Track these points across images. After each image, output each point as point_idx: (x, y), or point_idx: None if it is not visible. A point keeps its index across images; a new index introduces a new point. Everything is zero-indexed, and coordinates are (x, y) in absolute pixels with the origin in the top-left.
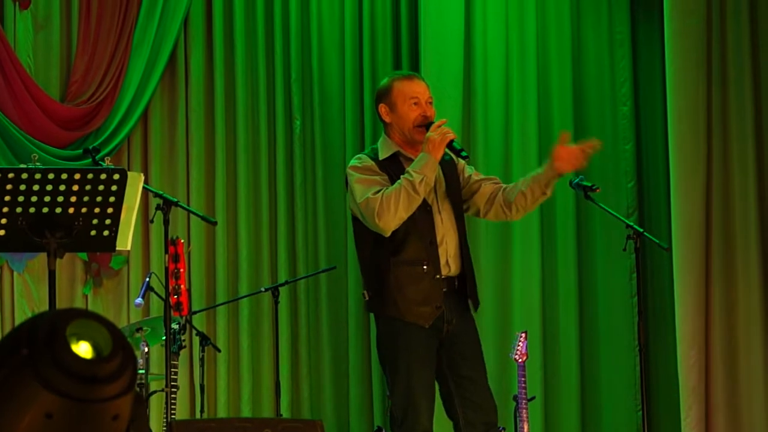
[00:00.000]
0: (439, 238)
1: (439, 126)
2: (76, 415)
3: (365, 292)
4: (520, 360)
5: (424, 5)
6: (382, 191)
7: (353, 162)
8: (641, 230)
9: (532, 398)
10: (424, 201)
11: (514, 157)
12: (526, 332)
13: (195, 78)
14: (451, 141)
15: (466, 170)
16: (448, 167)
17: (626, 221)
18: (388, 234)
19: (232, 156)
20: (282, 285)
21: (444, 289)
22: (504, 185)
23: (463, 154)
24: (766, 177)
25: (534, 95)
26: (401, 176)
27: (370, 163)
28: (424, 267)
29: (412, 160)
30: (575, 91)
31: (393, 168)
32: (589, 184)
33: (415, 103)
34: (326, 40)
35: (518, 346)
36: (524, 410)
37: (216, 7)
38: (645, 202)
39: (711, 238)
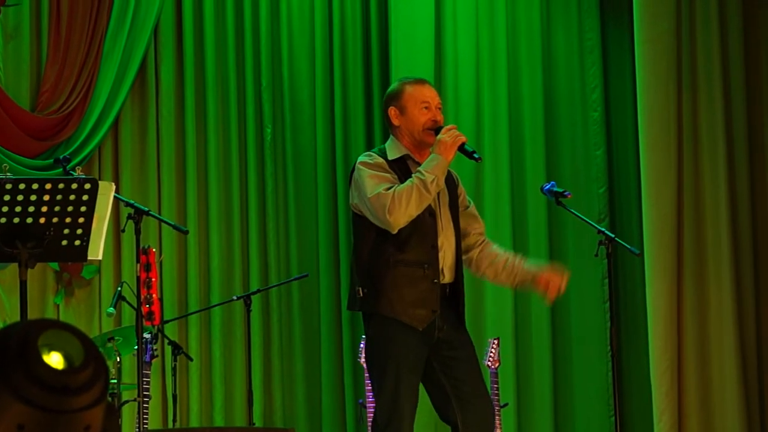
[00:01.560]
0: (440, 243)
1: (450, 129)
2: (48, 426)
3: (359, 288)
4: (492, 366)
5: (394, 12)
6: (393, 187)
7: (363, 158)
8: (613, 236)
9: (505, 405)
10: (429, 206)
11: (486, 163)
12: (498, 339)
13: (165, 87)
14: (463, 143)
15: (466, 199)
16: (449, 182)
17: (598, 227)
18: (395, 230)
19: (203, 164)
20: (254, 293)
21: (439, 295)
22: (484, 241)
23: (476, 155)
24: (737, 181)
25: (505, 101)
26: (413, 175)
27: (381, 160)
28: (424, 270)
29: (419, 164)
30: (546, 97)
31: (401, 170)
32: (561, 190)
33: (426, 107)
34: (296, 48)
35: (491, 352)
36: (497, 417)
37: (186, 16)
38: (616, 207)
39: (682, 243)
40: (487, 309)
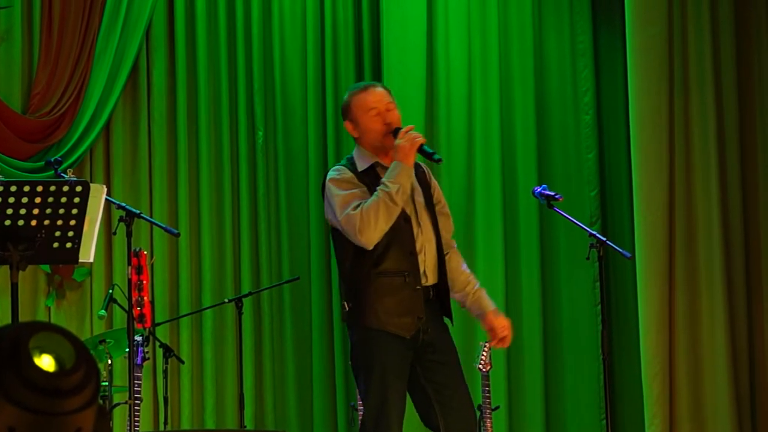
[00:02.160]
0: (418, 248)
1: (407, 132)
2: (39, 429)
3: (345, 302)
4: (484, 369)
5: (386, 15)
6: (361, 206)
7: (332, 174)
8: (604, 239)
9: (497, 408)
10: (403, 211)
11: (477, 166)
12: (489, 342)
13: (157, 89)
14: (422, 145)
15: (438, 195)
16: (423, 180)
17: (589, 230)
18: (370, 248)
19: (195, 167)
20: (245, 296)
21: (422, 300)
22: (451, 250)
23: (435, 157)
24: (729, 185)
25: (497, 104)
26: (377, 188)
27: (350, 174)
28: (405, 278)
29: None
30: (538, 100)
31: (372, 178)
32: (552, 193)
33: (376, 114)
34: (288, 50)
35: (482, 355)
36: (488, 420)
37: (178, 18)
38: (608, 210)
39: (674, 246)
40: None
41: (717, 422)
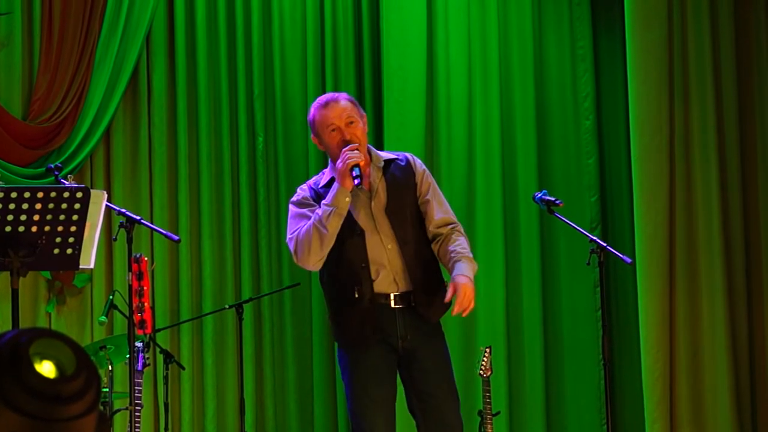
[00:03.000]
0: (373, 259)
1: (344, 152)
2: None
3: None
4: (484, 375)
5: (386, 21)
6: (296, 231)
7: (294, 195)
8: (605, 244)
9: (497, 413)
10: (356, 224)
11: (478, 171)
12: (490, 347)
13: (157, 95)
14: (353, 166)
15: (424, 190)
16: (397, 181)
17: (590, 235)
18: (315, 270)
19: (195, 173)
20: (246, 302)
21: (393, 307)
22: (444, 236)
23: (356, 182)
24: (729, 190)
25: (497, 109)
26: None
27: (305, 195)
28: (355, 292)
29: None
30: (538, 105)
31: None
32: (553, 199)
33: (333, 130)
34: (288, 56)
35: (483, 361)
36: (489, 425)
37: (178, 24)
38: (608, 216)
39: (674, 251)
40: (479, 317)
41: (718, 427)
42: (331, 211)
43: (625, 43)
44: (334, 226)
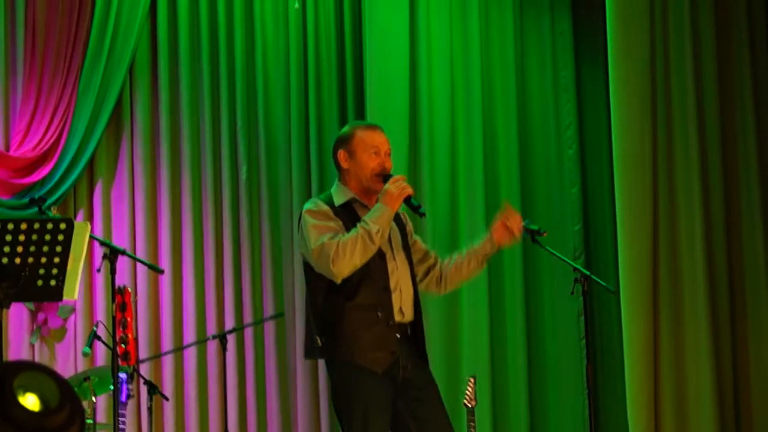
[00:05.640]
0: (392, 285)
1: (398, 180)
2: None
3: (318, 338)
4: (469, 405)
5: (369, 51)
6: (338, 237)
7: (308, 206)
8: (588, 273)
9: None
10: (379, 248)
11: (461, 201)
12: (475, 377)
13: (140, 125)
14: (409, 196)
15: (413, 236)
16: (398, 221)
17: (573, 264)
18: (339, 280)
19: (178, 203)
20: (229, 332)
21: (398, 335)
22: (440, 260)
23: (421, 210)
24: (713, 219)
25: (480, 139)
26: (358, 224)
27: (326, 208)
28: (378, 313)
29: (367, 208)
30: (521, 135)
31: (348, 215)
32: (536, 228)
33: (375, 153)
34: (272, 86)
35: (468, 391)
36: None
37: (161, 54)
38: (591, 244)
39: (658, 280)
40: (463, 347)
41: None
42: (378, 229)
43: (607, 72)
44: (378, 245)
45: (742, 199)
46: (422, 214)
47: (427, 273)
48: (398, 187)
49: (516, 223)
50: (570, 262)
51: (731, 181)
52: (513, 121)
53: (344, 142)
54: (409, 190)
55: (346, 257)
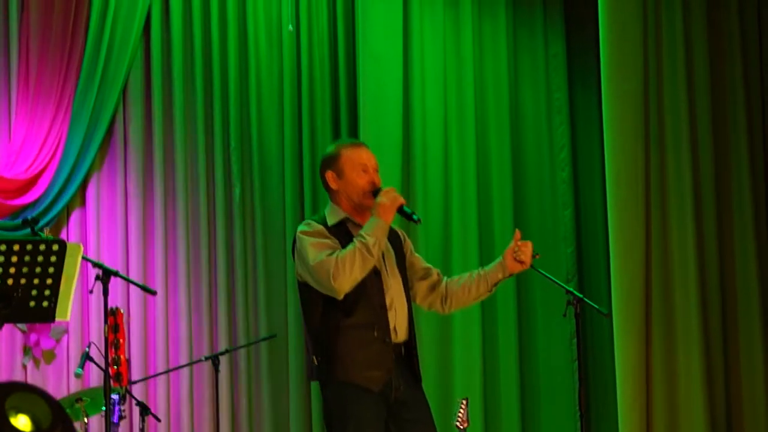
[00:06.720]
0: (388, 302)
1: (389, 191)
2: None
3: (314, 357)
4: (461, 427)
5: (363, 72)
6: (336, 253)
7: (302, 227)
8: (581, 296)
9: None
10: (374, 266)
11: (454, 223)
12: (467, 399)
13: (134, 146)
14: (402, 205)
15: (413, 254)
16: (394, 240)
17: (566, 287)
18: (341, 296)
19: (172, 224)
20: (222, 354)
21: (397, 354)
22: (443, 278)
23: (415, 217)
24: (705, 240)
25: (473, 161)
26: (354, 238)
27: (320, 227)
28: (374, 331)
29: (359, 227)
30: (514, 157)
31: (342, 234)
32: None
33: (363, 170)
34: (265, 107)
35: (460, 413)
36: None
37: (155, 76)
38: (584, 267)
39: (651, 303)
40: (456, 368)
41: None
42: (375, 241)
43: (600, 94)
44: (377, 257)
45: (735, 221)
46: (417, 221)
47: (432, 290)
48: (390, 197)
49: (527, 252)
50: (562, 284)
51: (724, 203)
52: (506, 143)
53: (331, 162)
54: (401, 200)
55: (346, 272)
